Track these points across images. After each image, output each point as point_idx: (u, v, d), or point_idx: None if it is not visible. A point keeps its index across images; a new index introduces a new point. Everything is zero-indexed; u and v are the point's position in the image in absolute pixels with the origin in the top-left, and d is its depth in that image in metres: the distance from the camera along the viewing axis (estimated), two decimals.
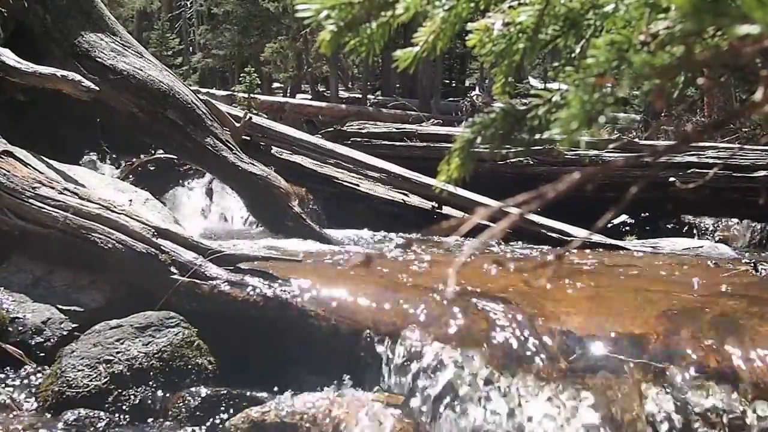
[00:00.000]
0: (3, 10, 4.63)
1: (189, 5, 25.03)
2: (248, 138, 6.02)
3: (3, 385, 2.73)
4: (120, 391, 2.61)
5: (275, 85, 20.92)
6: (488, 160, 5.24)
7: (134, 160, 6.09)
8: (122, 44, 5.10)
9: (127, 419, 2.57)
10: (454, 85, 23.60)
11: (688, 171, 6.11)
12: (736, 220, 7.15)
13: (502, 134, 0.83)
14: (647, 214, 6.99)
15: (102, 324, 2.82)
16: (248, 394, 2.65)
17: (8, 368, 2.83)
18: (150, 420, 2.59)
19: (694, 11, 0.52)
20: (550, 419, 2.20)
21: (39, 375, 2.80)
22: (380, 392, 2.57)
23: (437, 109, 17.22)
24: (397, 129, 7.81)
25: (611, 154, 6.29)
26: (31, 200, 3.27)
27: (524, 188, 0.68)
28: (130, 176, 5.79)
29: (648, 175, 5.28)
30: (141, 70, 5.01)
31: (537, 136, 0.82)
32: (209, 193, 6.01)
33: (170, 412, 2.60)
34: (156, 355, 2.72)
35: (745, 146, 6.55)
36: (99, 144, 5.96)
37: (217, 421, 2.55)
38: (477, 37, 0.90)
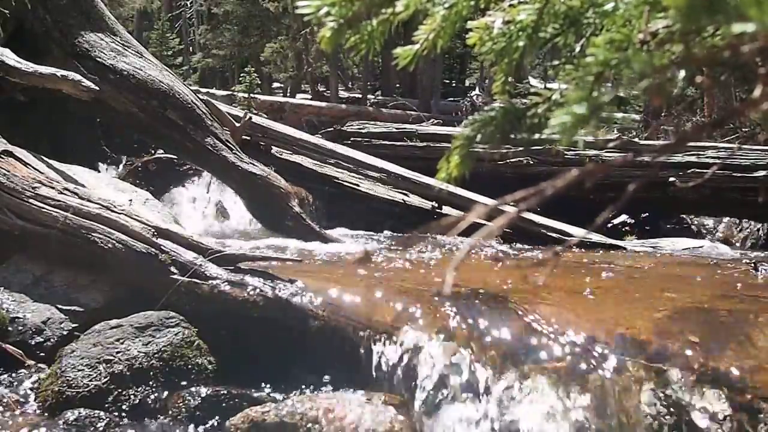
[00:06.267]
0: (3, 10, 4.63)
1: (189, 5, 25.04)
2: (248, 138, 6.03)
3: (3, 385, 2.73)
4: (120, 391, 2.61)
5: (275, 85, 20.92)
6: (488, 160, 5.25)
7: (135, 159, 6.10)
8: (122, 44, 5.11)
9: (127, 419, 2.56)
10: (454, 85, 23.60)
11: (688, 171, 6.11)
12: (736, 220, 7.16)
13: (502, 132, 0.83)
14: (647, 214, 7.00)
15: (102, 324, 2.82)
16: (248, 394, 2.65)
17: (8, 368, 2.83)
18: (150, 420, 2.59)
19: (690, 9, 0.52)
20: (547, 419, 2.20)
21: (39, 375, 2.80)
22: (379, 392, 2.57)
23: (437, 109, 17.20)
24: (397, 129, 7.82)
25: (611, 154, 6.30)
26: (31, 200, 3.27)
27: (524, 188, 0.68)
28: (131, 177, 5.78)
29: (647, 175, 5.28)
30: (141, 70, 5.01)
31: (537, 135, 0.82)
32: (209, 192, 6.01)
33: (170, 412, 2.60)
34: (156, 355, 2.72)
35: (745, 146, 6.54)
36: (100, 144, 5.96)
37: (217, 421, 2.55)
38: (477, 36, 0.90)
